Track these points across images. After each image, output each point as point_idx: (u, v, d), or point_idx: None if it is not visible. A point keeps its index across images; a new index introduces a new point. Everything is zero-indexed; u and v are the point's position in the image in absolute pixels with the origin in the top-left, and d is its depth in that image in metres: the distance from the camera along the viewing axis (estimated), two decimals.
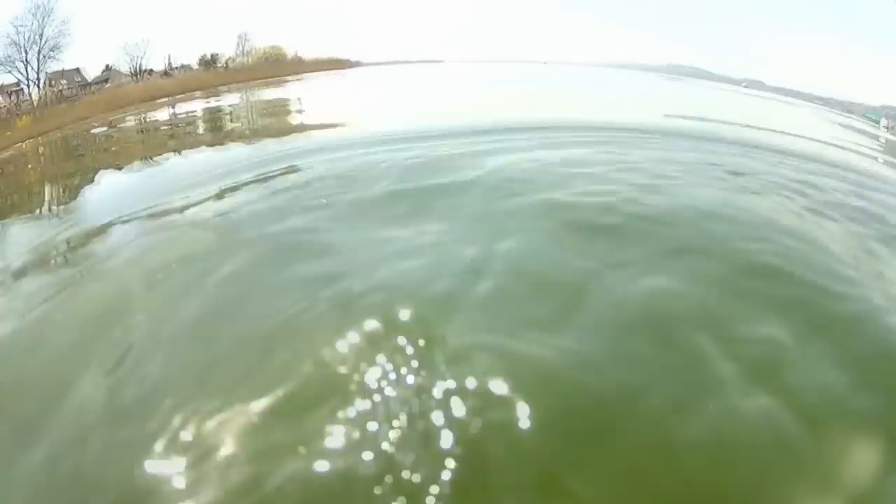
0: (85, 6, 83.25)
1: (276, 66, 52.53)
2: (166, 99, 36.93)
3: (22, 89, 47.27)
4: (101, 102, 40.09)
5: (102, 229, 5.37)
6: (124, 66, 53.04)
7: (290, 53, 58.27)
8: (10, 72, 42.83)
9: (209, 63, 55.06)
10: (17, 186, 11.82)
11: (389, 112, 15.54)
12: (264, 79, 43.84)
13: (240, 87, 39.42)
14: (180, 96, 38.84)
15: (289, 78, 41.35)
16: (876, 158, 11.78)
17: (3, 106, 46.51)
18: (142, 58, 51.04)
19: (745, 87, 51.34)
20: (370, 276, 3.32)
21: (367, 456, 2.18)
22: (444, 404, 2.35)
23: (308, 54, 57.77)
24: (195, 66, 55.20)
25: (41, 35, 42.16)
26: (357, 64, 66.37)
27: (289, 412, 2.40)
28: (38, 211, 8.72)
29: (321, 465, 2.18)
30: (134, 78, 50.80)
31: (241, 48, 55.96)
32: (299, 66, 53.74)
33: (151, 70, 54.25)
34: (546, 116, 11.17)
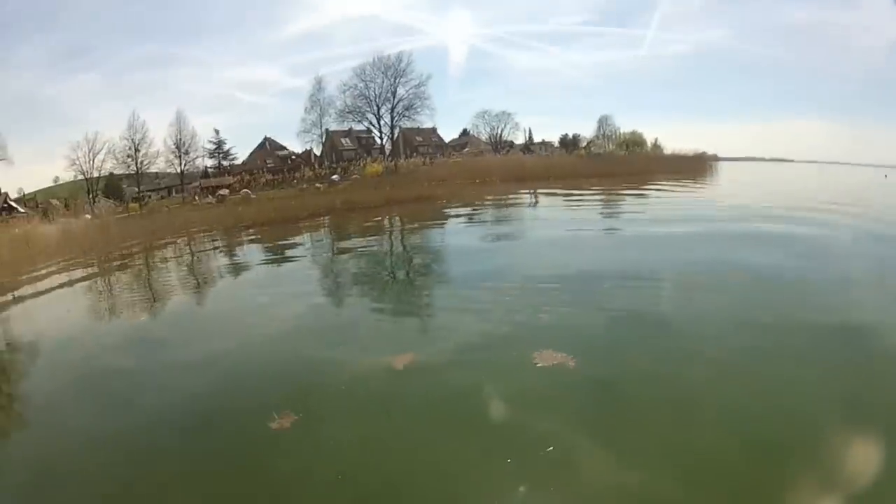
0: (441, 71, 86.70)
1: (639, 159, 43.53)
2: (527, 191, 28.33)
3: (373, 137, 46.56)
4: (461, 170, 32.82)
5: None
6: (483, 134, 49.86)
7: (649, 140, 49.55)
8: (359, 121, 44.71)
9: (571, 144, 47.43)
10: None
11: None
12: (628, 175, 33.03)
13: (608, 187, 28.52)
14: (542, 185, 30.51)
15: (653, 183, 28.25)
16: None
17: (352, 149, 46.73)
18: (502, 129, 50.05)
19: None
20: None
21: None
22: None
23: (667, 143, 49.72)
24: (555, 143, 49.09)
25: (394, 93, 42.91)
26: (714, 158, 55.22)
27: None
28: None
29: None
30: (494, 149, 46.90)
31: (601, 131, 48.37)
32: (660, 161, 44.16)
33: (512, 143, 49.64)
34: None
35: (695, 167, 42.13)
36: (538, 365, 4.23)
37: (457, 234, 13.63)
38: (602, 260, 8.42)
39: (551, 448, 3.11)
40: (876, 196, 19.62)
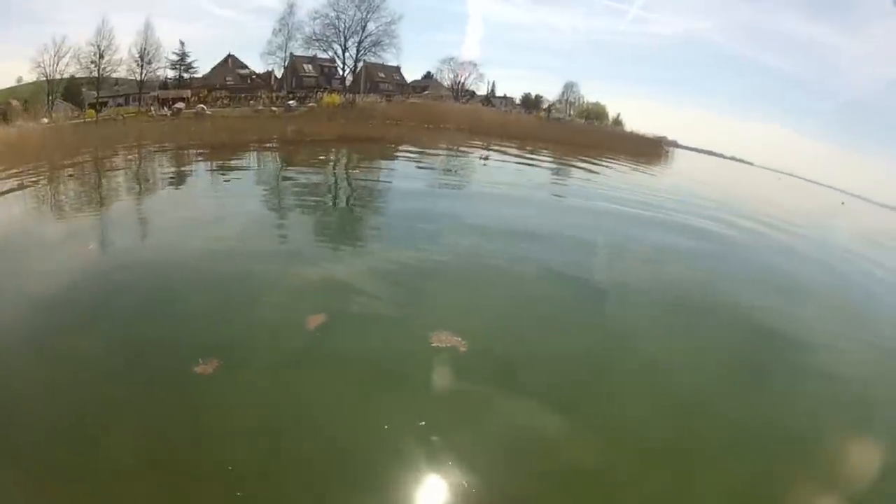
0: (414, 13, 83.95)
1: (597, 132, 45.28)
2: (480, 144, 28.66)
3: (336, 68, 45.67)
4: (417, 113, 33.66)
5: None
6: (445, 80, 49.52)
7: (611, 114, 50.58)
8: (325, 50, 44.04)
9: (532, 104, 47.76)
10: None
11: None
12: (583, 146, 35.10)
13: (560, 155, 30.48)
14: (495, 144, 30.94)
15: (604, 159, 30.40)
16: None
17: (313, 76, 46.26)
18: (466, 78, 49.05)
19: None
20: None
21: None
22: None
23: (628, 120, 51.74)
24: (517, 100, 49.34)
25: (363, 27, 43.00)
26: (674, 144, 56.33)
27: None
28: None
29: None
30: (455, 96, 47.67)
31: (565, 96, 48.98)
32: (617, 138, 45.16)
33: (473, 93, 49.65)
34: None
35: (651, 151, 43.20)
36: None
37: (404, 178, 14.78)
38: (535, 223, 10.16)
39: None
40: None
